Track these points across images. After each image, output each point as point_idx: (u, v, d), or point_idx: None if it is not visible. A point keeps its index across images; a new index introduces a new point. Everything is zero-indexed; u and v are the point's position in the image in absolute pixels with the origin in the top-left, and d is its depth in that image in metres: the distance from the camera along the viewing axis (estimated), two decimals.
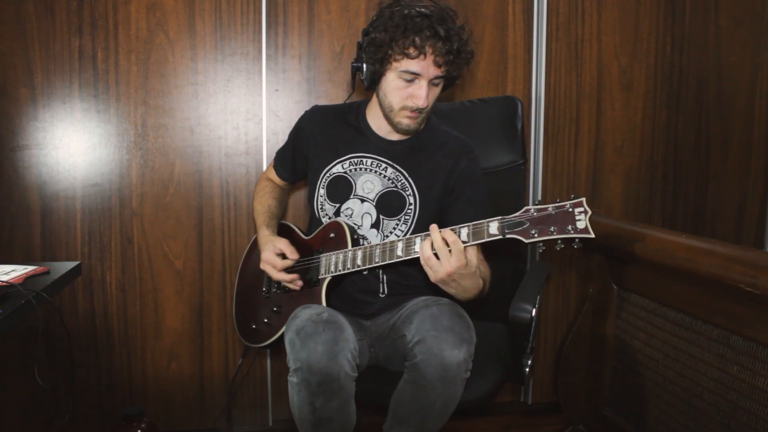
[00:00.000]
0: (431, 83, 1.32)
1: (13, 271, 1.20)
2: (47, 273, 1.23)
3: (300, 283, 1.40)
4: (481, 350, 1.25)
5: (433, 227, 1.18)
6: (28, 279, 1.17)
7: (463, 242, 1.16)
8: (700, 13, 2.10)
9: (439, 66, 1.29)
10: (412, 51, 1.27)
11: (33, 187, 1.79)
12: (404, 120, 1.36)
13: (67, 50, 1.77)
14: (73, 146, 1.81)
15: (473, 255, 1.19)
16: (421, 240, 1.21)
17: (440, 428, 1.28)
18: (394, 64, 1.30)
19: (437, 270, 1.17)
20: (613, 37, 2.05)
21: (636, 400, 1.59)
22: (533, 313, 1.27)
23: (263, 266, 1.43)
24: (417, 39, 1.26)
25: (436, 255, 1.16)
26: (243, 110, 1.88)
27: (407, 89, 1.32)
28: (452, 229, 1.18)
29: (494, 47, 1.99)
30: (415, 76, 1.30)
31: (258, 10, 1.84)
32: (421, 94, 1.31)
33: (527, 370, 1.36)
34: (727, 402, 1.30)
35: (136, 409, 1.71)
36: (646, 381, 1.55)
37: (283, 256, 1.42)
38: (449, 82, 1.39)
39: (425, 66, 1.28)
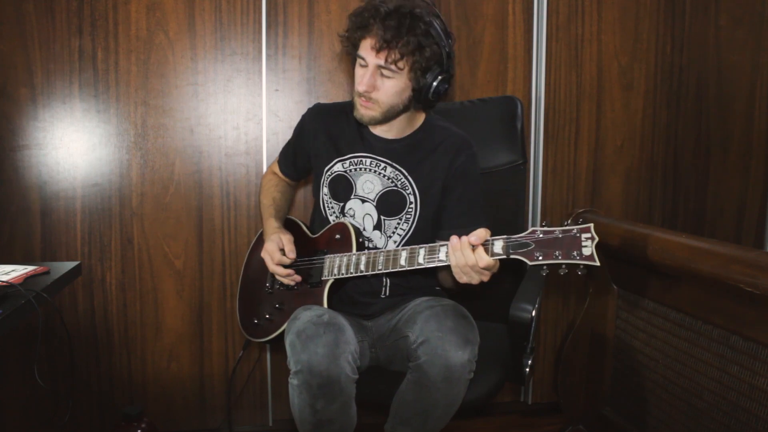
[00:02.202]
0: (381, 72, 1.29)
1: (13, 271, 1.20)
2: (47, 273, 1.23)
3: (297, 278, 1.40)
4: (481, 350, 1.25)
5: (465, 243, 1.16)
6: (28, 279, 1.18)
7: None
8: (700, 13, 2.10)
9: (377, 51, 1.26)
10: (357, 33, 1.30)
11: (33, 187, 1.79)
12: (359, 107, 1.36)
13: (67, 50, 1.77)
14: (73, 146, 1.81)
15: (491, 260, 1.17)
16: (447, 250, 1.19)
17: (442, 429, 1.28)
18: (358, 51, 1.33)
19: (472, 277, 1.17)
20: (613, 37, 2.05)
21: (636, 400, 1.59)
22: (533, 313, 1.27)
23: (263, 255, 1.44)
24: (362, 22, 1.28)
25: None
26: (243, 110, 1.88)
27: (359, 73, 1.33)
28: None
29: (494, 47, 1.99)
30: (364, 60, 1.30)
31: (258, 10, 1.84)
32: (364, 77, 1.30)
33: (527, 370, 1.36)
34: (727, 402, 1.30)
35: (136, 409, 1.71)
36: (646, 381, 1.55)
37: (283, 252, 1.42)
38: (417, 96, 1.33)
39: (366, 50, 1.28)
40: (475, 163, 1.45)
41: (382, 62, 1.27)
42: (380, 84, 1.31)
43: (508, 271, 1.64)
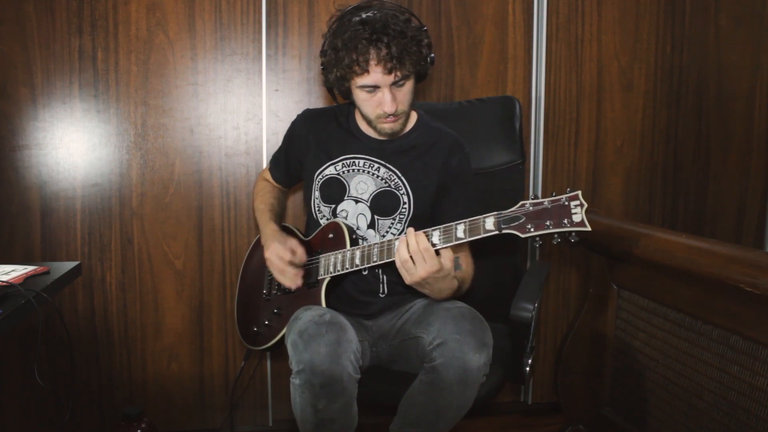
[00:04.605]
0: (395, 86, 1.30)
1: (13, 271, 1.20)
2: (47, 273, 1.23)
3: (300, 282, 1.40)
4: None
5: (410, 231, 1.19)
6: (28, 279, 1.17)
7: (459, 239, 1.16)
8: (700, 13, 2.10)
9: (390, 72, 1.27)
10: (357, 69, 1.27)
11: (33, 187, 1.79)
12: (385, 126, 1.36)
13: (67, 50, 1.77)
14: (73, 146, 1.81)
15: (448, 260, 1.20)
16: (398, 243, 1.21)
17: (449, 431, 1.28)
18: (351, 82, 1.31)
19: (412, 273, 1.18)
20: (613, 37, 2.05)
21: (636, 400, 1.59)
22: (533, 312, 1.27)
23: (269, 254, 1.40)
24: (357, 56, 1.25)
25: (412, 259, 1.18)
26: (243, 110, 1.88)
27: (373, 99, 1.32)
28: (447, 227, 1.18)
29: (494, 47, 1.99)
30: (374, 86, 1.30)
31: (258, 10, 1.84)
32: (386, 101, 1.30)
33: (527, 369, 1.36)
34: (727, 402, 1.30)
35: (136, 409, 1.71)
36: (646, 381, 1.55)
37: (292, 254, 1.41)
38: (419, 77, 1.37)
39: (377, 77, 1.27)
40: (469, 164, 1.46)
41: (397, 78, 1.28)
42: (399, 95, 1.32)
43: (508, 270, 1.65)
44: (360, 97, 1.33)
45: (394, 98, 1.30)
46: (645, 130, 2.12)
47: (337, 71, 1.31)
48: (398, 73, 1.27)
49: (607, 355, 1.70)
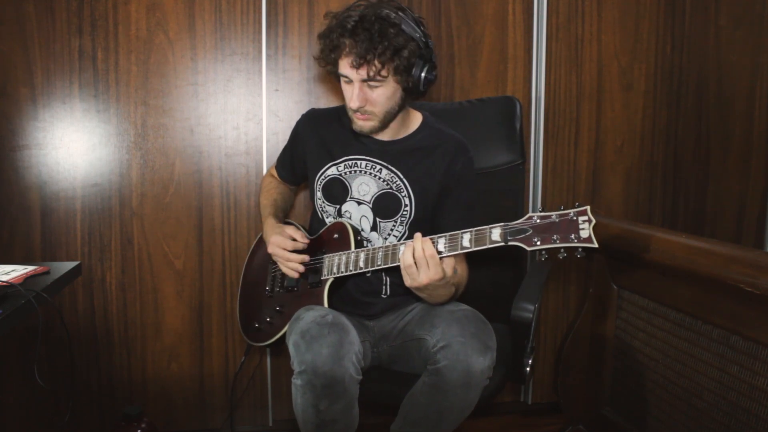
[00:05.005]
0: (368, 85, 1.29)
1: (13, 271, 1.20)
2: (47, 273, 1.23)
3: (301, 268, 1.40)
4: None
5: (417, 236, 1.19)
6: (28, 279, 1.17)
7: (465, 248, 1.17)
8: (700, 13, 2.10)
9: (355, 67, 1.26)
10: (333, 54, 1.29)
11: (33, 187, 1.79)
12: (355, 120, 1.37)
13: (67, 50, 1.77)
14: (73, 146, 1.81)
15: (450, 267, 1.20)
16: (404, 247, 1.22)
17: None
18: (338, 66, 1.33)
19: (414, 278, 1.19)
20: (613, 37, 2.05)
21: (636, 400, 1.59)
22: (534, 313, 1.28)
23: (272, 249, 1.42)
24: (334, 41, 1.27)
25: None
26: (243, 110, 1.88)
27: (347, 89, 1.33)
28: (453, 235, 1.18)
29: (494, 47, 1.99)
30: (347, 78, 1.30)
31: (258, 10, 1.84)
32: (352, 95, 1.31)
33: (527, 369, 1.37)
34: (727, 402, 1.30)
35: (136, 409, 1.71)
36: (646, 381, 1.55)
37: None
38: (408, 90, 1.34)
39: (345, 69, 1.29)
40: (472, 168, 1.45)
41: (365, 77, 1.27)
42: (371, 95, 1.31)
43: (508, 271, 1.65)
44: (342, 86, 1.36)
45: (361, 95, 1.30)
46: (645, 130, 2.12)
47: (321, 52, 1.34)
48: (364, 72, 1.26)
49: (607, 355, 1.70)
